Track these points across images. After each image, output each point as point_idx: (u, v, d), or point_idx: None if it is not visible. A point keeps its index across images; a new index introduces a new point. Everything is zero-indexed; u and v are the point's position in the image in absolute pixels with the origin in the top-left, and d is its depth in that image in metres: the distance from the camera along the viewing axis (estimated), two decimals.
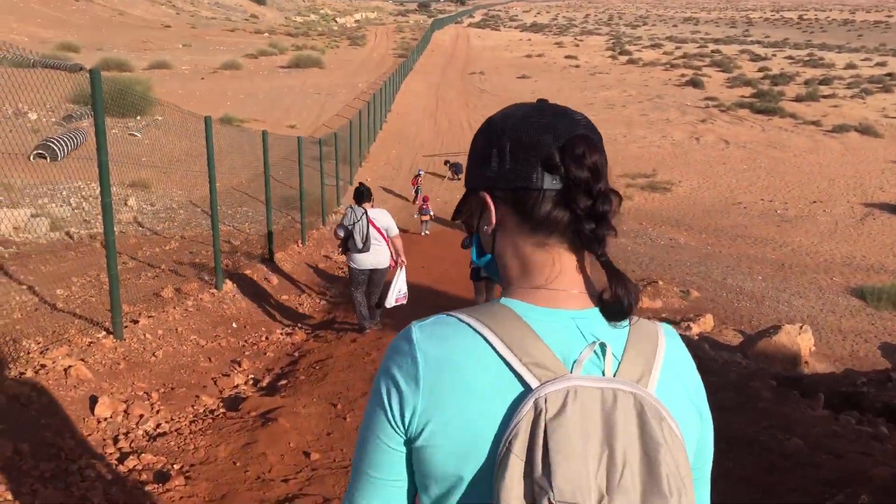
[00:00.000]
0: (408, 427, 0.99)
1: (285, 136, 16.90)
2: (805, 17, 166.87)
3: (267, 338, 7.34)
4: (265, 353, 6.78)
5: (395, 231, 7.87)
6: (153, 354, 5.55)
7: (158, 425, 4.40)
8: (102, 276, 7.84)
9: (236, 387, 5.64)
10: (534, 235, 1.04)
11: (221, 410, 4.81)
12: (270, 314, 8.45)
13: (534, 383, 0.94)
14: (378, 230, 7.68)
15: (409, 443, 1.00)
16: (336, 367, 5.76)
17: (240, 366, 6.17)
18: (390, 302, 7.60)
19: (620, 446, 0.92)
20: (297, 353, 6.75)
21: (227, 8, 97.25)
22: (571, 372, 0.96)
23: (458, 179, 23.47)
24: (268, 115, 29.58)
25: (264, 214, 15.02)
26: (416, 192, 20.15)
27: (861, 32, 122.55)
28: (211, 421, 4.51)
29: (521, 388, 0.95)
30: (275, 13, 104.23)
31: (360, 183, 8.53)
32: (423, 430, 0.97)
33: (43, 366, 4.51)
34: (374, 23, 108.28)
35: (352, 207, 7.85)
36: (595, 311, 1.02)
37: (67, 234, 11.11)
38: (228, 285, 8.45)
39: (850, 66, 66.71)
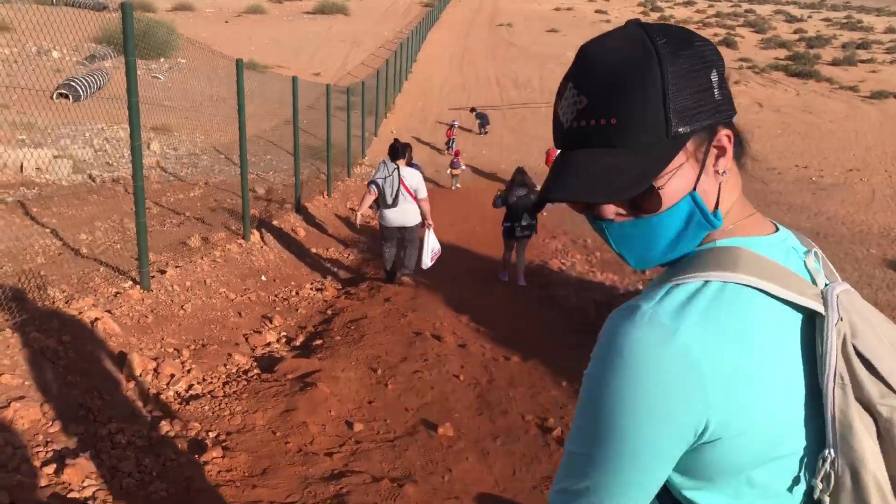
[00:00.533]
0: (698, 437, 0.87)
1: (310, 83, 16.48)
2: None
3: (297, 293, 7.07)
4: (297, 310, 6.51)
5: (423, 193, 7.76)
6: (182, 308, 5.29)
7: (191, 386, 4.15)
8: (126, 222, 7.59)
9: (269, 345, 5.38)
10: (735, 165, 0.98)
11: (256, 371, 4.55)
12: (299, 267, 8.18)
13: (816, 305, 0.90)
14: (407, 189, 7.58)
15: (696, 445, 0.88)
16: (372, 329, 5.49)
17: (271, 322, 5.91)
18: (426, 263, 7.68)
19: (885, 333, 0.94)
20: (329, 311, 6.48)
21: None
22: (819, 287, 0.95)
23: (485, 133, 23.00)
24: (292, 62, 29.06)
25: (289, 163, 14.71)
26: (450, 143, 19.78)
27: None
28: (245, 383, 4.25)
29: (802, 326, 0.91)
30: None
31: (396, 139, 8.31)
32: (719, 430, 0.86)
33: (70, 317, 4.25)
34: None
35: (384, 162, 7.75)
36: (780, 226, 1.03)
37: (90, 176, 10.85)
38: (256, 236, 8.16)
39: (891, 29, 64.71)
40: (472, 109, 23.33)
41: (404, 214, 7.61)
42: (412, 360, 4.78)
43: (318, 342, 5.31)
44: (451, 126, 20.36)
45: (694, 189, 0.91)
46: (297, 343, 5.51)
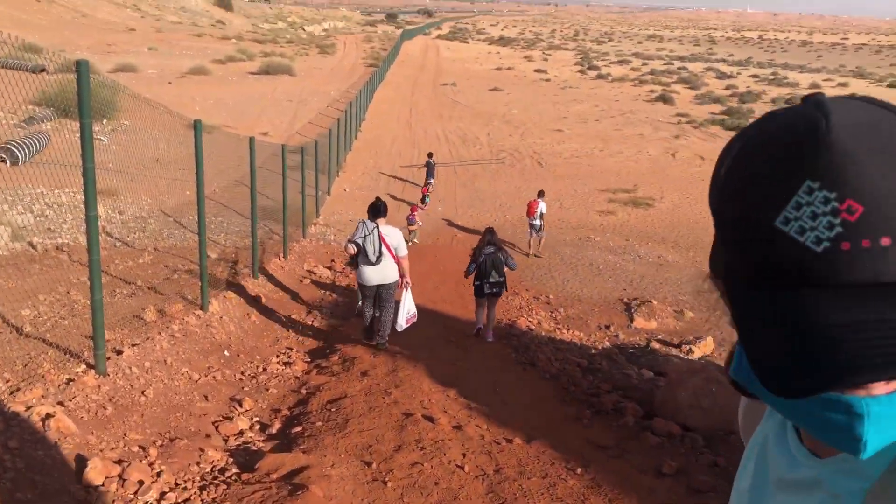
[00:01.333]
0: None
1: (261, 143, 16.10)
2: (765, 37, 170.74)
3: (265, 368, 6.55)
4: (267, 389, 6.00)
5: (404, 251, 7.85)
6: (143, 394, 4.76)
7: (163, 495, 3.62)
8: (73, 293, 7.01)
9: (242, 434, 4.86)
10: None
11: (234, 471, 4.03)
12: (262, 338, 7.69)
13: None
14: (388, 247, 7.64)
15: None
16: (356, 411, 5.02)
17: (241, 405, 5.39)
18: (401, 325, 7.64)
19: None
20: (304, 390, 5.97)
21: (193, 13, 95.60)
22: None
23: (430, 185, 22.97)
24: (239, 122, 28.66)
25: (240, 225, 14.18)
26: (425, 199, 19.77)
27: (820, 53, 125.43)
28: (225, 487, 3.73)
29: None
30: (242, 19, 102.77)
31: (377, 197, 8.38)
32: None
33: (17, 415, 3.71)
34: (343, 32, 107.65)
35: (364, 222, 7.82)
36: None
37: (30, 244, 10.19)
38: (215, 305, 7.66)
39: (814, 85, 67.81)
40: (430, 155, 23.28)
41: (384, 272, 7.63)
42: (407, 448, 4.31)
43: (298, 429, 4.81)
44: (428, 183, 20.33)
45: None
46: (274, 430, 5.00)
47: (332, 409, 5.09)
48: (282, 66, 49.33)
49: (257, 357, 6.86)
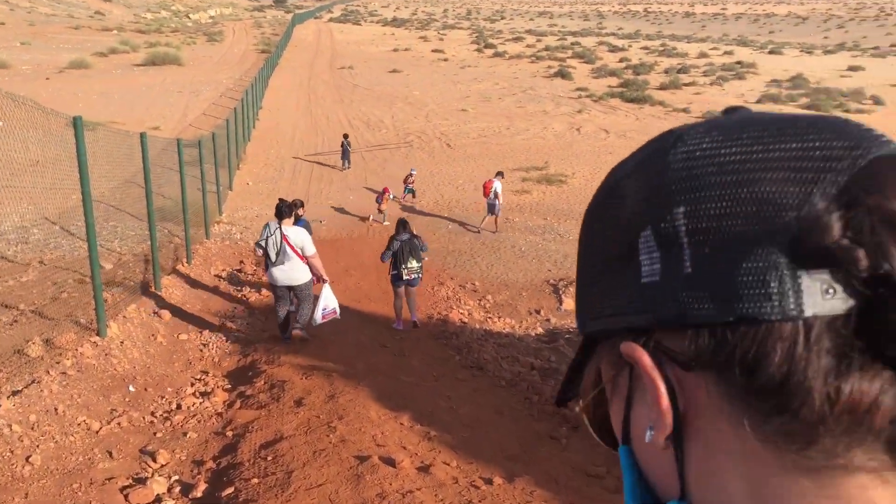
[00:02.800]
0: None
1: (153, 138, 14.79)
2: (650, 9, 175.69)
3: (179, 405, 5.61)
4: (185, 433, 5.08)
5: (311, 250, 7.86)
6: (27, 461, 3.83)
7: None
8: None
9: (159, 502, 3.98)
10: (793, 449, 0.40)
11: None
12: (172, 363, 6.72)
13: None
14: (292, 247, 7.68)
15: None
16: (297, 458, 4.18)
17: (154, 460, 4.48)
18: (317, 319, 7.64)
19: None
20: (229, 431, 5.07)
21: (69, 4, 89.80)
22: None
23: (348, 168, 22.18)
24: (126, 117, 26.80)
25: (135, 229, 12.93)
26: (409, 191, 18.88)
27: (703, 24, 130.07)
28: None
29: None
30: (122, 10, 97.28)
31: (281, 199, 8.37)
32: None
33: None
34: (230, 18, 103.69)
35: (268, 224, 7.89)
36: None
37: None
38: (114, 329, 6.64)
39: (702, 55, 69.98)
40: (345, 136, 22.41)
41: (290, 272, 7.71)
42: None
43: (229, 490, 3.96)
44: (410, 175, 19.25)
45: (622, 440, 0.51)
46: (199, 493, 4.12)
47: (269, 458, 4.25)
48: (169, 56, 46.74)
49: (169, 389, 5.92)
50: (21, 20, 70.32)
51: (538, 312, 12.51)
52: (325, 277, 7.95)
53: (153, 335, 7.14)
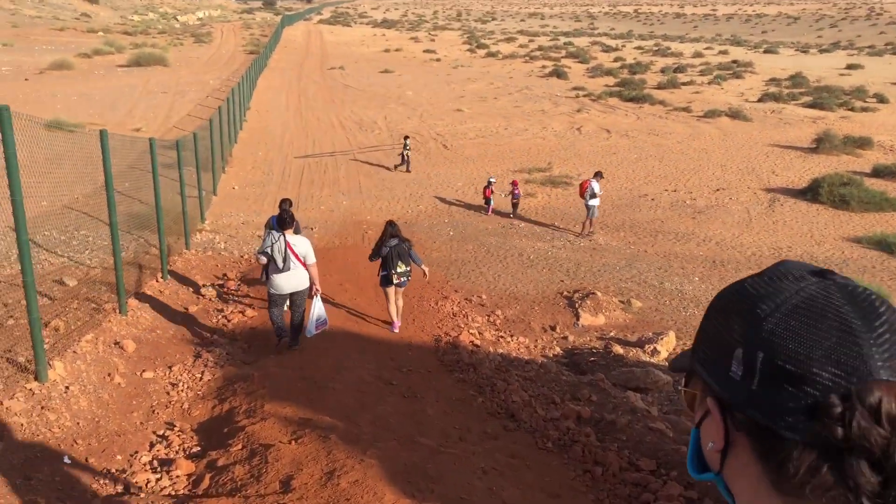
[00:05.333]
0: None
1: (132, 138, 13.50)
2: (640, 10, 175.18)
3: (127, 485, 4.27)
4: None
5: (312, 259, 8.04)
6: None
7: None
8: None
9: None
10: (784, 497, 0.76)
11: None
12: (129, 413, 5.45)
13: None
14: (296, 255, 7.84)
15: None
16: None
17: None
18: (311, 331, 7.85)
19: None
20: None
21: (54, 6, 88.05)
22: None
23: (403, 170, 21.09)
24: (107, 118, 25.50)
25: (109, 240, 11.68)
26: (489, 202, 17.83)
27: (695, 24, 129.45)
28: None
29: None
30: (109, 12, 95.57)
31: (283, 209, 8.61)
32: None
33: None
34: (219, 20, 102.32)
35: (270, 232, 8.06)
36: None
37: None
38: (58, 370, 5.37)
39: (697, 54, 69.24)
40: (406, 137, 21.72)
41: (295, 279, 7.88)
42: None
43: None
44: (489, 185, 17.98)
45: (695, 424, 0.89)
46: None
47: None
48: (154, 57, 45.37)
49: (118, 457, 4.63)
50: (4, 22, 68.81)
51: (553, 329, 11.31)
52: (318, 287, 8.11)
53: (110, 374, 5.87)
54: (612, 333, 11.36)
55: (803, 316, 0.74)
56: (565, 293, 12.81)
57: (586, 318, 11.87)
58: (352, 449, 4.31)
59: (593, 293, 12.71)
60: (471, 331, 9.65)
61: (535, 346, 10.41)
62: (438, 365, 7.77)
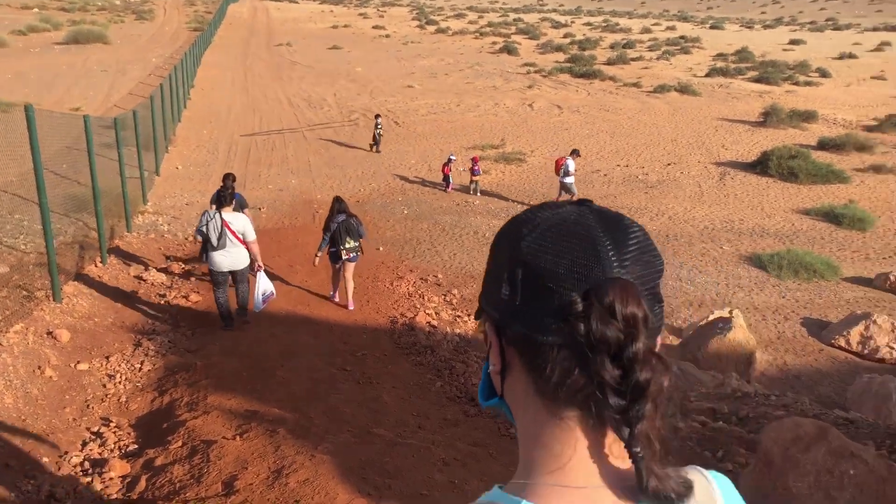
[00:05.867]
0: None
1: (69, 116, 12.83)
2: None
3: (52, 492, 3.85)
4: None
5: (252, 236, 7.97)
6: None
7: None
8: None
9: None
10: (545, 400, 0.83)
11: None
12: (60, 411, 5.05)
13: None
14: (233, 233, 7.78)
15: None
16: None
17: None
18: (258, 306, 7.84)
19: None
20: None
21: None
22: None
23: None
24: (44, 98, 24.42)
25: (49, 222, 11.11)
26: (448, 180, 17.50)
27: (643, 0, 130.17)
28: None
29: None
30: None
31: (224, 184, 8.46)
32: None
33: None
34: None
35: (206, 211, 7.96)
36: None
37: None
38: None
39: (646, 30, 69.76)
40: (377, 116, 20.94)
41: (232, 257, 7.82)
42: None
43: None
44: (448, 162, 17.59)
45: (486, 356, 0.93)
46: None
47: None
48: (93, 34, 43.66)
49: (45, 459, 4.24)
50: None
51: None
52: (260, 263, 8.03)
53: (40, 367, 5.45)
54: None
55: (555, 232, 0.81)
56: None
57: None
58: (302, 444, 4.00)
59: None
60: (427, 311, 9.40)
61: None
62: (394, 348, 7.50)
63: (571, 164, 16.29)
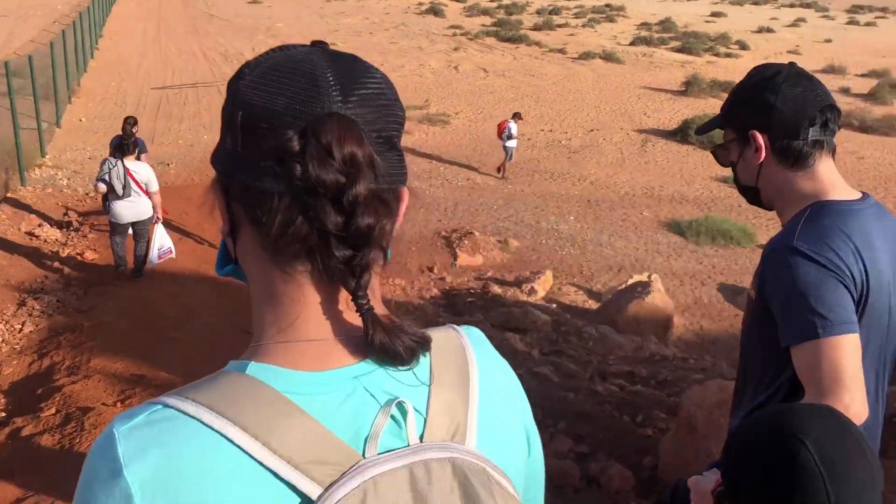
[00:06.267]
0: None
1: None
2: None
3: None
4: None
5: (155, 186, 7.73)
6: None
7: None
8: None
9: None
10: (272, 256, 0.75)
11: None
12: None
13: (314, 491, 0.65)
14: (137, 183, 7.49)
15: None
16: None
17: None
18: (153, 260, 7.60)
19: None
20: None
21: None
22: (365, 455, 0.68)
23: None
24: None
25: None
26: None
27: None
28: None
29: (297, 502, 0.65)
30: None
31: (125, 132, 7.83)
32: None
33: None
34: None
35: (107, 159, 7.57)
36: None
37: None
38: None
39: None
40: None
41: (137, 208, 7.55)
42: None
43: None
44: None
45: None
46: None
47: None
48: None
49: None
50: None
51: (431, 270, 10.92)
52: (160, 216, 7.81)
53: None
54: (489, 273, 11.10)
55: (278, 70, 0.74)
56: (443, 233, 12.42)
57: (464, 259, 11.56)
58: None
59: (471, 233, 12.39)
60: None
61: (413, 289, 9.98)
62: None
63: (514, 127, 16.24)
